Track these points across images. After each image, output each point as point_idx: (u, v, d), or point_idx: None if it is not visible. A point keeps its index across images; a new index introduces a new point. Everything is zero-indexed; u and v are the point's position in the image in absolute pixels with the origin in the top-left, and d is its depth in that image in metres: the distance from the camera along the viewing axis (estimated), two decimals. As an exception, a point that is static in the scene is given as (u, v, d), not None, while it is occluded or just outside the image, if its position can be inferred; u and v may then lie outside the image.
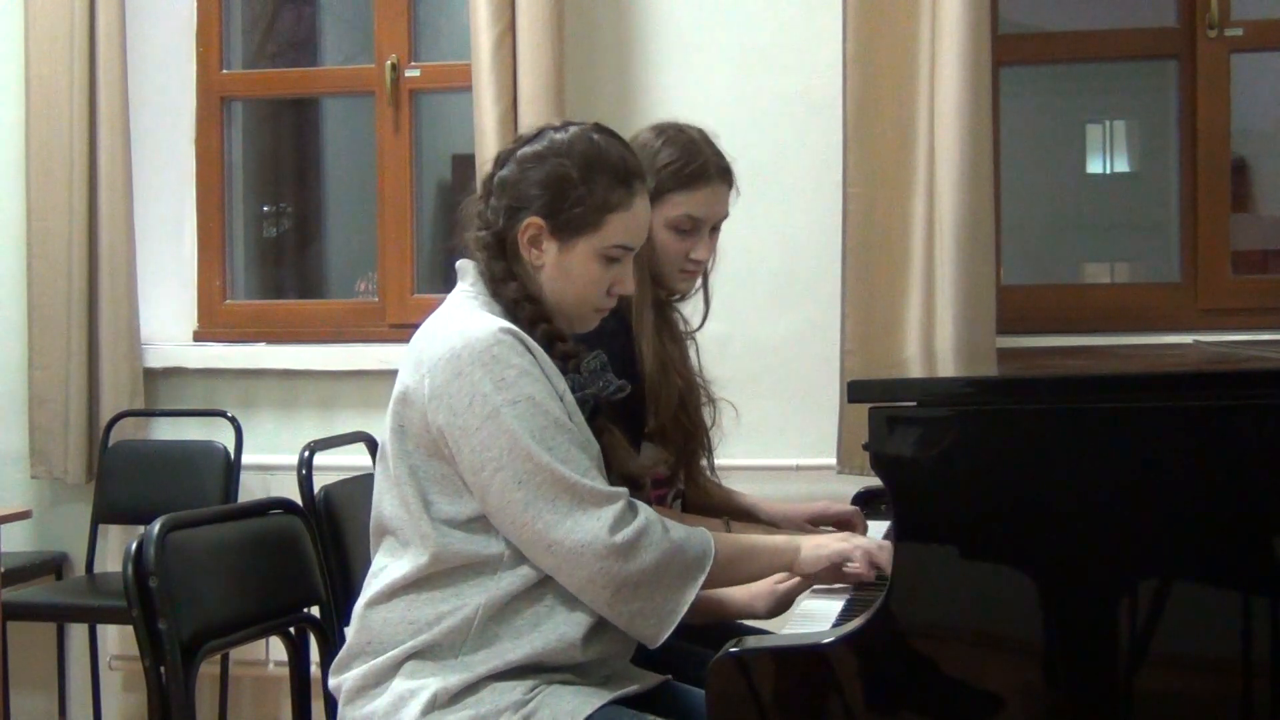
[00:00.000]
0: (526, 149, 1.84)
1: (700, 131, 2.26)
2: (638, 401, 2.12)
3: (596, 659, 1.77)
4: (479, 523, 1.73)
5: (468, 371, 1.69)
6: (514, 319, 1.79)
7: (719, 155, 2.24)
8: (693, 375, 2.30)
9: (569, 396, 1.77)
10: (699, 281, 2.31)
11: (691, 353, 2.35)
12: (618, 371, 1.86)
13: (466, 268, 1.86)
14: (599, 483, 1.70)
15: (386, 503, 1.79)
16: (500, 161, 1.87)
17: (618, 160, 1.84)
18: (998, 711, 1.54)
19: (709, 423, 2.32)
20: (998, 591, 1.54)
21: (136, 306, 3.75)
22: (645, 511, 1.72)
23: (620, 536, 1.67)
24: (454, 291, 1.86)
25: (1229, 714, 1.52)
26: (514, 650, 1.71)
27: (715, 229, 2.27)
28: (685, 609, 1.72)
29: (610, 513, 1.68)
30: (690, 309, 2.37)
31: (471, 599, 1.72)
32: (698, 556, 1.73)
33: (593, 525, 1.67)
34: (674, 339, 2.27)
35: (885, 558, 1.80)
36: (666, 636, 1.72)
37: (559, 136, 1.84)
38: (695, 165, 2.20)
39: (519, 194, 1.82)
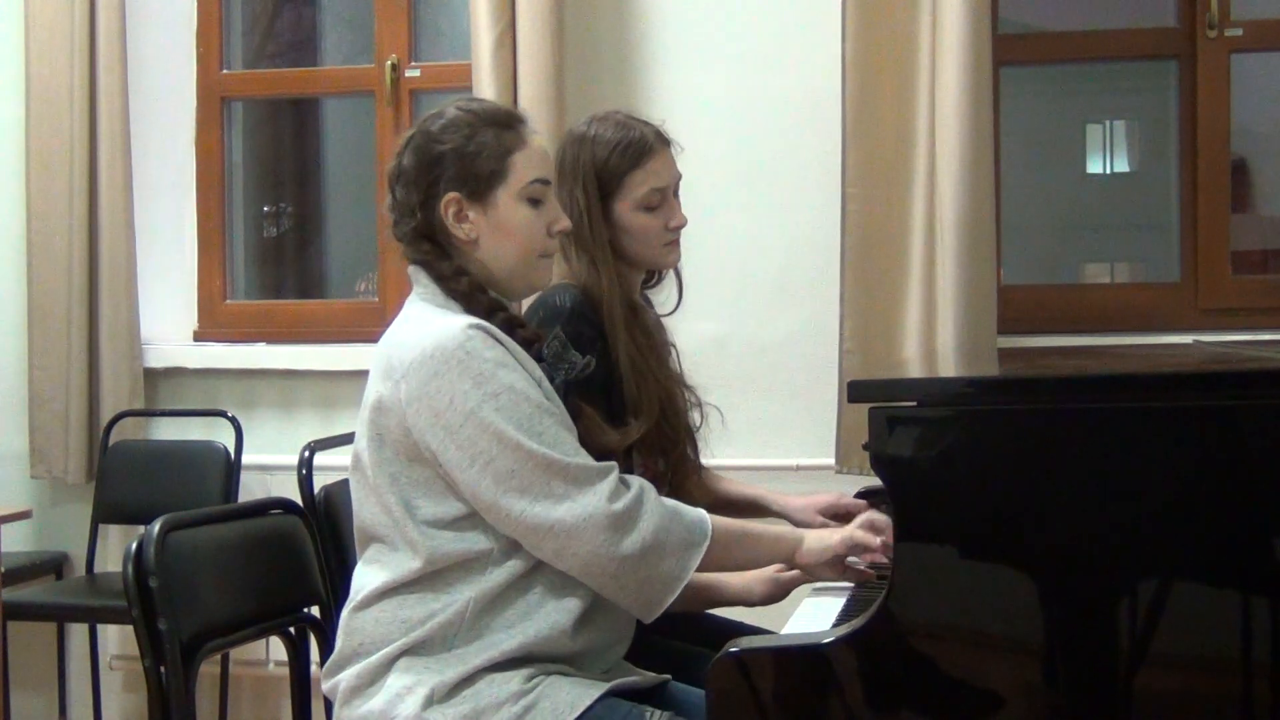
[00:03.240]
0: (406, 153, 1.87)
1: (620, 111, 2.24)
2: (608, 375, 2.09)
3: (588, 648, 1.78)
4: (466, 521, 1.74)
5: (443, 372, 1.71)
6: (472, 311, 1.81)
7: (648, 123, 2.21)
8: (674, 382, 2.22)
9: (546, 382, 1.80)
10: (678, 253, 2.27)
11: (673, 358, 2.28)
12: (601, 376, 1.89)
13: (418, 274, 1.88)
14: (589, 460, 1.74)
15: (367, 511, 1.81)
16: (393, 179, 1.89)
17: (493, 110, 1.89)
18: (998, 711, 1.54)
19: (696, 424, 2.27)
20: (998, 591, 1.54)
21: (136, 306, 3.75)
22: (638, 480, 1.77)
23: (620, 504, 1.71)
24: (410, 298, 1.88)
25: (1229, 714, 1.51)
26: (506, 640, 1.72)
27: (676, 193, 2.24)
28: (687, 577, 1.75)
29: (606, 486, 1.72)
30: (662, 298, 2.33)
31: (462, 594, 1.73)
32: (695, 522, 1.78)
33: (591, 500, 1.70)
34: (650, 345, 2.20)
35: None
36: (667, 605, 1.75)
37: (431, 126, 1.87)
38: (637, 139, 2.17)
39: (424, 186, 1.85)
